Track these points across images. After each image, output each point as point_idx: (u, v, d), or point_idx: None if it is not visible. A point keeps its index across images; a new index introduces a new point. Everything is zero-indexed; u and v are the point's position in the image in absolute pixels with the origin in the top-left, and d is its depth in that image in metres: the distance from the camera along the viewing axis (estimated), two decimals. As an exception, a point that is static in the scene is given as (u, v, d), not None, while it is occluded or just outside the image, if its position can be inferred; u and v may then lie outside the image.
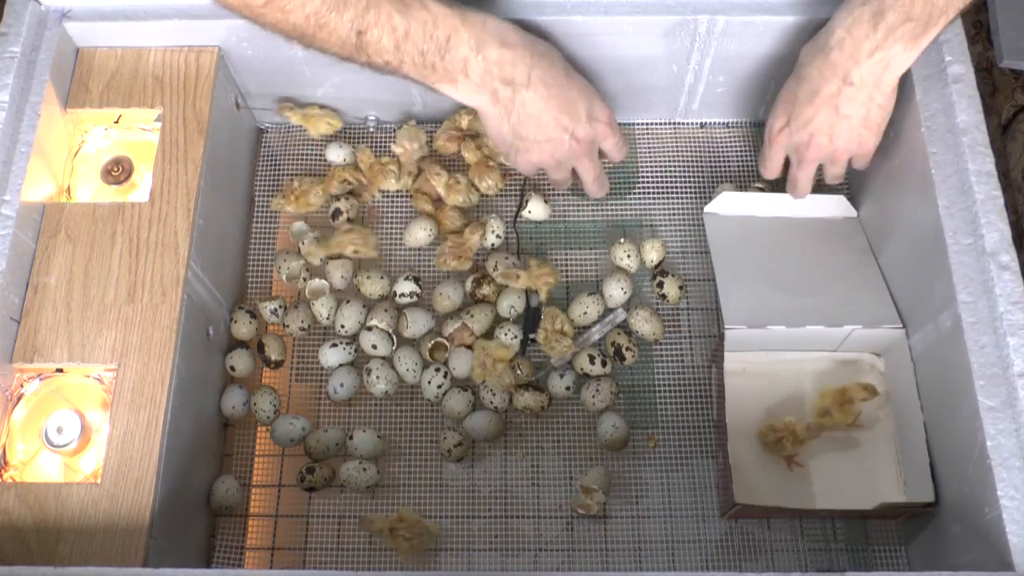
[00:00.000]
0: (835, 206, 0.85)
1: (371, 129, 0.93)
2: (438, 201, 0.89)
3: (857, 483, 0.77)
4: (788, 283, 0.80)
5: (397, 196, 0.91)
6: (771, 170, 0.81)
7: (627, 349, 0.82)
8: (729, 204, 0.85)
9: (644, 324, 0.83)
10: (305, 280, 0.85)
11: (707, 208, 0.85)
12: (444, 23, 0.67)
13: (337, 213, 0.88)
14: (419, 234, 0.87)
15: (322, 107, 0.90)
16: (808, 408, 0.80)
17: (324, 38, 0.66)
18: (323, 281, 0.85)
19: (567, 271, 0.87)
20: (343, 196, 0.89)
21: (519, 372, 0.81)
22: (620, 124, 0.92)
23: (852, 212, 0.85)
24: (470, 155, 0.89)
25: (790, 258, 0.82)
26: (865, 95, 0.72)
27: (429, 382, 0.81)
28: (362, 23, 0.65)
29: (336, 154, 0.90)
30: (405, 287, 0.84)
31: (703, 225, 0.86)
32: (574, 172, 0.80)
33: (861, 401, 0.77)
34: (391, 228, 0.90)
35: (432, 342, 0.82)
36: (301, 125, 0.90)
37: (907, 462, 0.75)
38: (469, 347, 0.83)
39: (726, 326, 0.77)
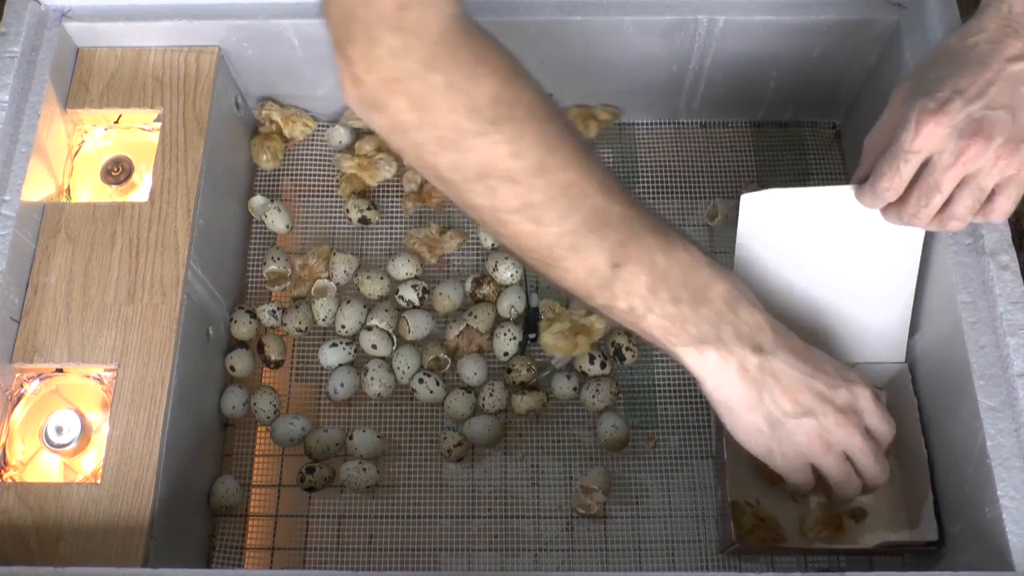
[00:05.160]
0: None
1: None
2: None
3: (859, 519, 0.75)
4: (805, 305, 0.74)
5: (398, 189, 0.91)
6: (898, 183, 0.60)
7: (627, 349, 0.82)
8: (774, 202, 0.70)
9: (644, 324, 0.83)
10: (289, 282, 0.86)
11: (745, 197, 0.70)
12: (702, 270, 0.58)
13: (365, 221, 0.88)
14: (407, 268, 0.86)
15: (300, 109, 0.91)
16: None
17: (570, 264, 0.56)
18: (329, 281, 0.85)
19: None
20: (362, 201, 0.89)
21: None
22: (620, 124, 0.93)
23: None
24: None
25: (820, 272, 0.73)
26: None
27: (422, 381, 0.81)
28: (620, 254, 0.55)
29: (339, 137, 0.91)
30: (410, 294, 0.84)
31: (709, 227, 0.86)
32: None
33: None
34: (392, 228, 0.90)
35: (432, 357, 0.82)
36: (279, 124, 0.90)
37: (910, 499, 0.74)
38: (480, 351, 0.83)
39: None
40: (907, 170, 0.59)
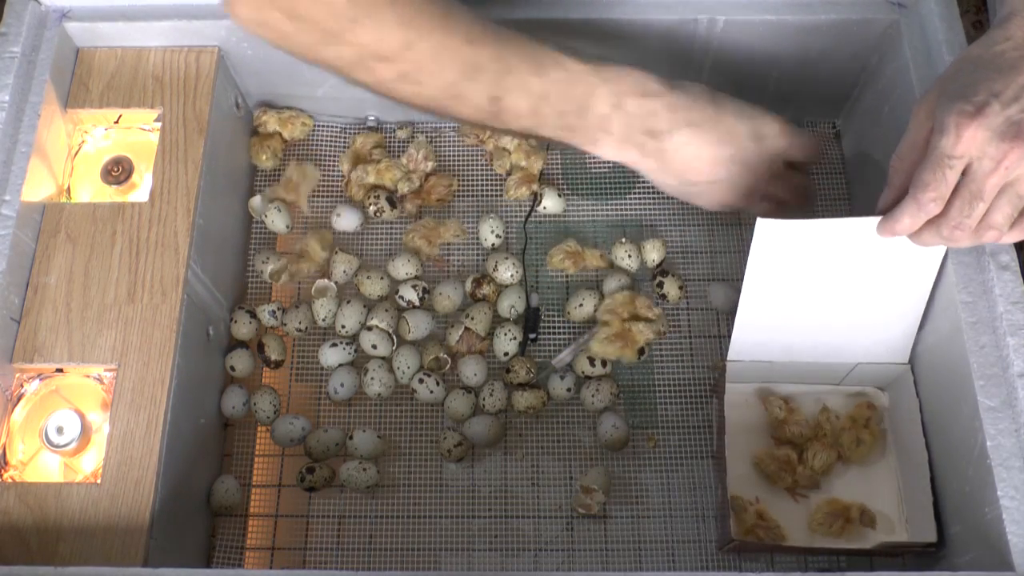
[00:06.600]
0: None
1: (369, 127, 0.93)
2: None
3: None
4: (814, 312, 0.73)
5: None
6: (944, 190, 0.58)
7: (645, 347, 0.82)
8: (789, 232, 0.68)
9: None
10: (287, 274, 0.86)
11: (761, 222, 0.68)
12: (581, 82, 0.65)
13: (392, 203, 0.88)
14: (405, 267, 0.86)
15: (296, 110, 0.91)
16: (832, 441, 0.77)
17: (458, 108, 0.65)
18: (328, 281, 0.85)
19: (567, 271, 0.87)
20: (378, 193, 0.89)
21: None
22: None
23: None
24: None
25: (832, 287, 0.72)
26: None
27: (422, 381, 0.81)
28: (498, 89, 0.63)
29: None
30: (410, 294, 0.84)
31: (699, 225, 0.86)
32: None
33: (871, 419, 0.77)
34: (393, 228, 0.90)
35: (432, 357, 0.82)
36: (278, 130, 0.90)
37: (910, 500, 0.74)
38: (481, 353, 0.83)
39: (729, 359, 0.76)
40: (952, 176, 0.57)
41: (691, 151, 0.68)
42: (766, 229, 0.68)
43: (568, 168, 0.91)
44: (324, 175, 0.91)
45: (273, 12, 0.61)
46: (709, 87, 0.70)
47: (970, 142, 0.56)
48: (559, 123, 0.65)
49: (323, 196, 0.90)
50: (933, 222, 0.61)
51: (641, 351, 0.81)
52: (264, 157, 0.89)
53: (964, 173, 0.57)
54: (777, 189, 0.73)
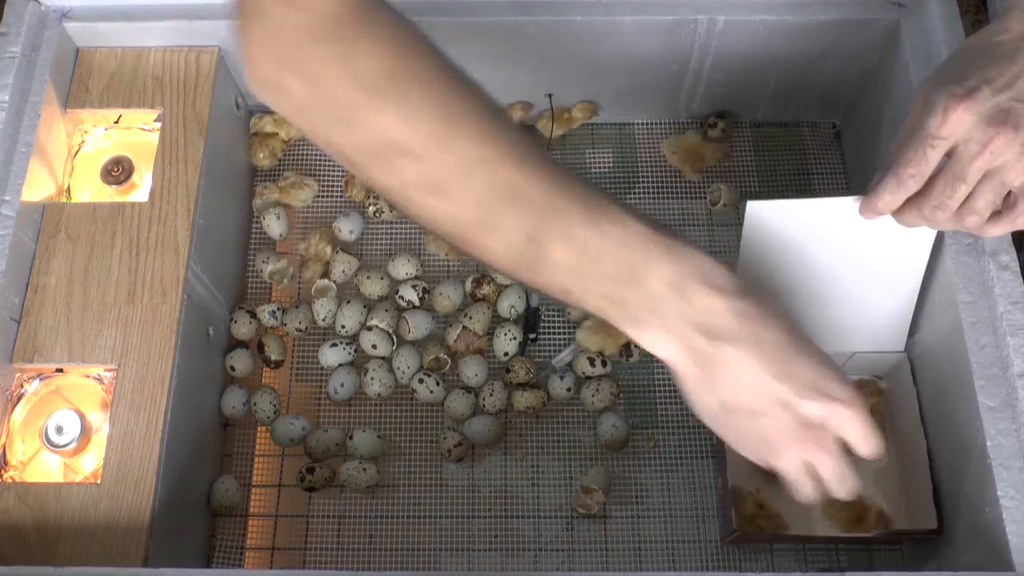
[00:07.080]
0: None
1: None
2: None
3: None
4: (807, 300, 0.73)
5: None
6: (924, 169, 0.58)
7: (635, 346, 0.82)
8: (779, 212, 0.69)
9: (644, 324, 0.83)
10: (289, 275, 0.86)
11: (751, 204, 0.68)
12: (638, 245, 0.52)
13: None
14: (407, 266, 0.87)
15: (296, 174, 0.89)
16: None
17: (487, 241, 0.52)
18: (328, 281, 0.85)
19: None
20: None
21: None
22: (620, 124, 0.93)
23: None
24: None
25: (824, 274, 0.71)
26: None
27: (422, 381, 0.81)
28: (539, 228, 0.51)
29: None
30: (410, 294, 0.84)
31: (710, 225, 0.86)
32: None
33: (874, 405, 0.77)
34: (393, 228, 0.90)
35: (432, 357, 0.82)
36: (282, 201, 0.89)
37: (909, 488, 0.74)
38: (481, 352, 0.83)
39: None
40: (934, 156, 0.57)
41: (744, 370, 0.53)
42: (757, 210, 0.67)
43: (568, 167, 0.91)
44: (324, 175, 0.91)
45: (292, 76, 0.49)
46: (784, 311, 0.56)
47: (956, 124, 0.55)
48: (602, 289, 0.52)
49: (324, 197, 0.90)
50: (915, 201, 0.60)
51: (627, 346, 0.81)
52: (262, 155, 0.89)
53: (949, 155, 0.57)
54: (822, 464, 0.56)
